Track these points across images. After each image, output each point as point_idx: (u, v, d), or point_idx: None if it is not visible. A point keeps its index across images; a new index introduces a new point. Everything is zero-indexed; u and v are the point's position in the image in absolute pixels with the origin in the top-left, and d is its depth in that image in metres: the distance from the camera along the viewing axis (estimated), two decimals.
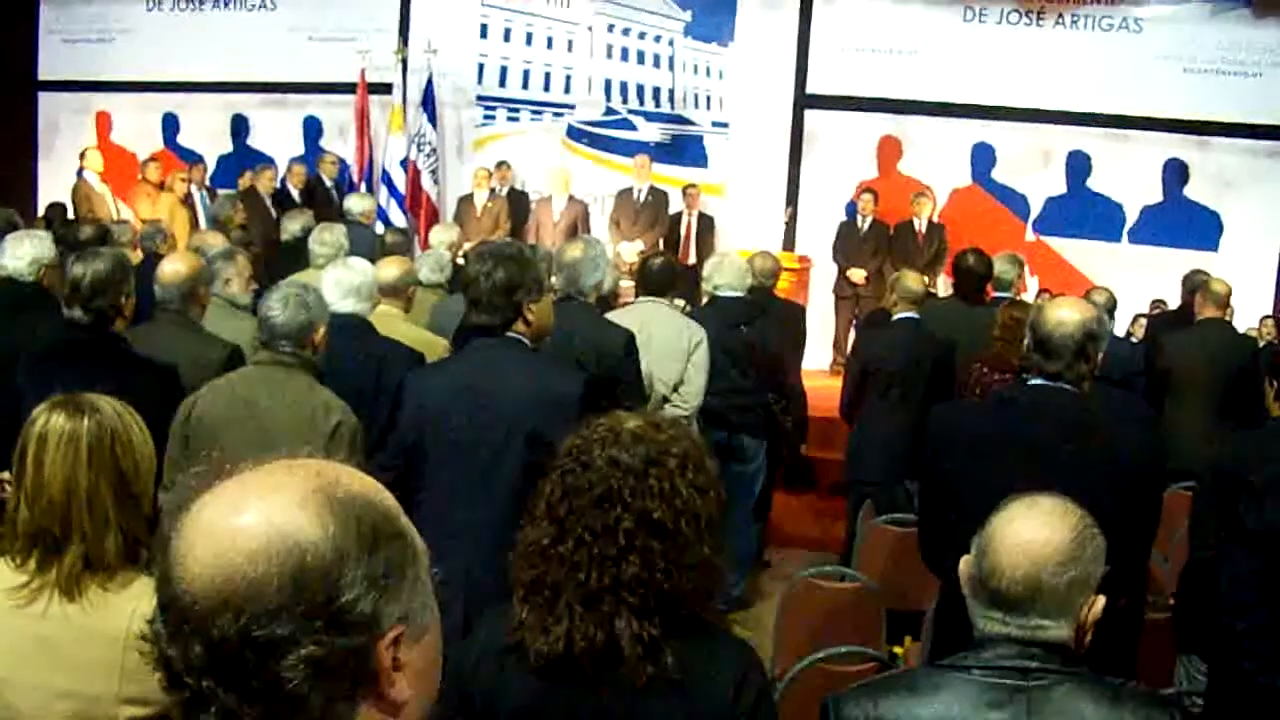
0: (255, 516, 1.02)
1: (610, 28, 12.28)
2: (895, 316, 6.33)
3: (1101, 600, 2.00)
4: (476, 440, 3.43)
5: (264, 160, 12.27)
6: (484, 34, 12.51)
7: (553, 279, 4.68)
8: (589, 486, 1.99)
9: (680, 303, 6.17)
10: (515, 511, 3.22)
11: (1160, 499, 3.43)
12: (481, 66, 12.56)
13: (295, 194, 11.37)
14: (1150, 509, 3.32)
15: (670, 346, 5.35)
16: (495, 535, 3.10)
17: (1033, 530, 1.98)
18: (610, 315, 5.34)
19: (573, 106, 12.45)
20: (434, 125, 12.11)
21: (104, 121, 13.65)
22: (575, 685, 1.98)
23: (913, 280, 6.40)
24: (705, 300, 6.13)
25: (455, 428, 3.46)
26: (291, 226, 8.30)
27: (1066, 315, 3.26)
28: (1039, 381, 3.29)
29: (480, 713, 2.06)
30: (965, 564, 2.08)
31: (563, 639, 1.96)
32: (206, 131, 13.35)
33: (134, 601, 2.10)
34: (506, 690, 2.04)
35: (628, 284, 7.10)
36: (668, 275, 5.68)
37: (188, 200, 11.11)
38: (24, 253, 4.78)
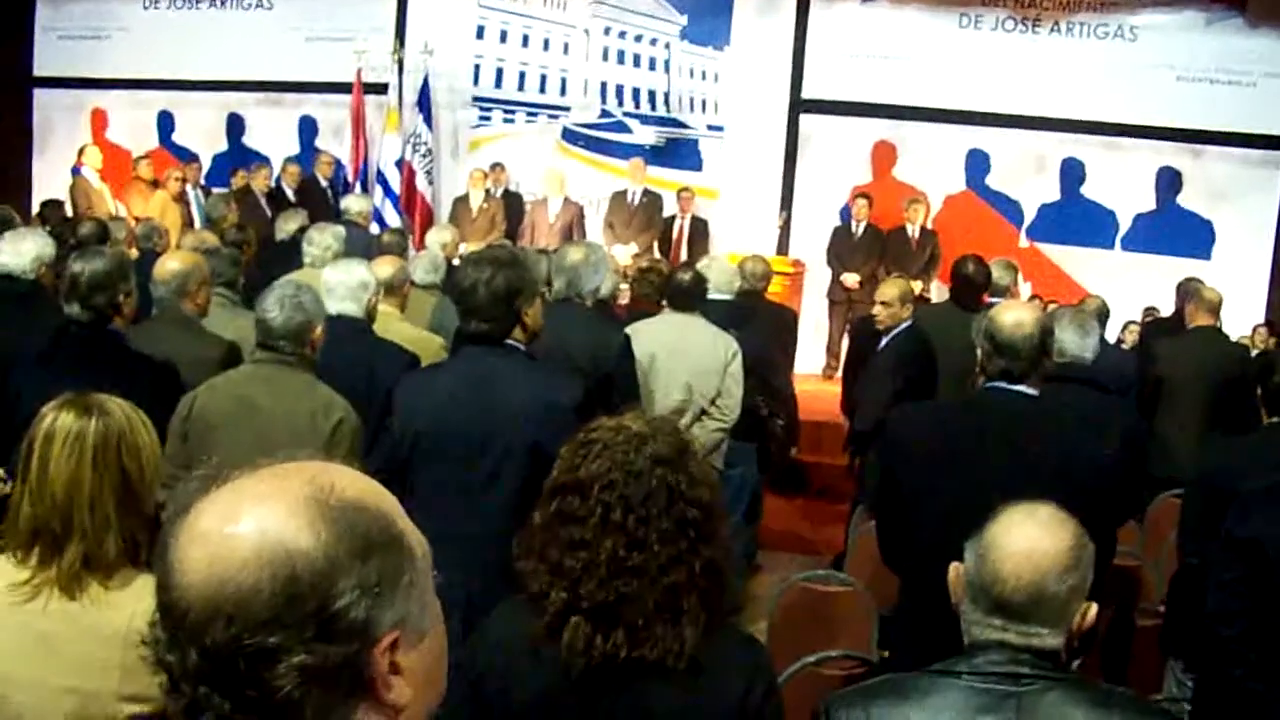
0: (248, 525, 1.02)
1: (606, 30, 12.29)
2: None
3: (1094, 608, 2.01)
4: (473, 452, 3.35)
5: (259, 159, 12.25)
6: (480, 35, 12.50)
7: (554, 281, 4.69)
8: (651, 491, 2.01)
9: None
10: (512, 524, 3.22)
11: (1114, 511, 3.40)
12: (477, 68, 12.56)
13: (290, 193, 11.37)
14: (1102, 520, 3.30)
15: (708, 359, 5.32)
16: (493, 548, 3.08)
17: (1034, 539, 1.98)
18: (641, 325, 5.30)
19: (568, 109, 12.45)
20: (429, 126, 12.11)
21: (99, 119, 13.61)
22: (597, 678, 1.99)
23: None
24: None
25: (449, 439, 3.38)
26: (287, 226, 8.27)
27: (1022, 316, 3.25)
28: (996, 385, 3.27)
29: (493, 705, 2.07)
30: (956, 571, 2.09)
31: (624, 646, 1.97)
32: (202, 130, 13.32)
33: (134, 600, 2.11)
34: (522, 683, 2.05)
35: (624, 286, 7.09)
36: (695, 290, 5.59)
37: (182, 198, 11.09)
38: (25, 249, 4.74)
